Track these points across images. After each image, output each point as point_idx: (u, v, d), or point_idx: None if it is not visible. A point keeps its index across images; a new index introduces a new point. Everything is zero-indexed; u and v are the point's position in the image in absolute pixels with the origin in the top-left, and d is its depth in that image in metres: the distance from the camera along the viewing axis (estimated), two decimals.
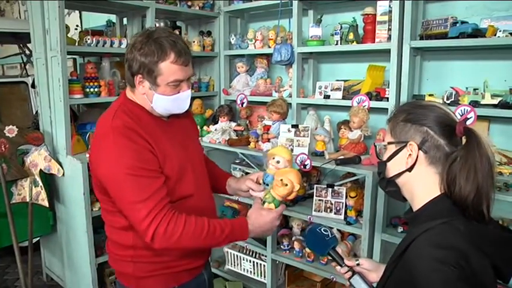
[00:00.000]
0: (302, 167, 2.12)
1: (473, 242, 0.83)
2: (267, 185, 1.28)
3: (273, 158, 1.28)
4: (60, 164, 2.38)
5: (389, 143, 0.98)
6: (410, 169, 0.94)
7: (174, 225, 1.12)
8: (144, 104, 1.24)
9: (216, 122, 2.80)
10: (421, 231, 0.86)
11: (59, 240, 2.65)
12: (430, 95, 2.02)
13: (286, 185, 1.19)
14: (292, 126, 2.34)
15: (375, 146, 1.05)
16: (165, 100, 1.21)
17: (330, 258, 1.19)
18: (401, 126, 0.95)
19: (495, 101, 1.82)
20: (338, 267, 1.16)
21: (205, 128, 2.81)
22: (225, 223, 1.20)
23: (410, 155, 0.93)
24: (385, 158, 0.98)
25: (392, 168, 0.97)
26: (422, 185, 0.94)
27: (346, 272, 1.14)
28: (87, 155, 2.30)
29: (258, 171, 1.48)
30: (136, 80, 1.20)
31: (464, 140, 0.89)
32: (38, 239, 2.87)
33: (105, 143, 1.13)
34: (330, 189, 2.18)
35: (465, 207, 0.86)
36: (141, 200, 1.09)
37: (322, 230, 1.20)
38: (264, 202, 1.23)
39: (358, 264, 1.15)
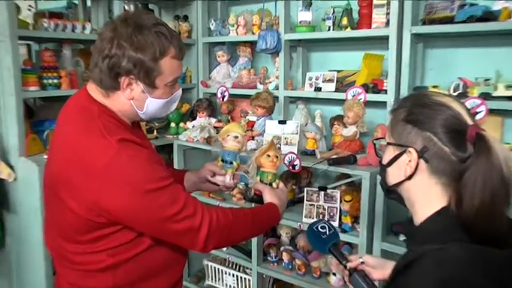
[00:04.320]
0: (291, 167, 2.06)
1: (475, 271, 0.77)
2: (231, 163, 1.35)
3: (228, 135, 1.37)
4: (11, 167, 2.22)
5: (388, 144, 0.94)
6: (409, 177, 0.89)
7: (223, 215, 1.12)
8: (122, 111, 1.12)
9: (193, 118, 2.74)
10: (418, 254, 0.81)
11: (7, 257, 2.44)
12: (434, 87, 1.95)
13: (277, 156, 1.34)
14: (279, 122, 2.29)
15: (374, 144, 1.02)
16: (158, 104, 1.13)
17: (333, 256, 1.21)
18: (402, 127, 0.90)
19: (509, 93, 1.75)
20: (341, 267, 1.17)
21: (181, 124, 2.75)
22: (259, 209, 1.27)
23: (410, 161, 0.88)
24: (385, 160, 0.95)
25: (392, 175, 0.94)
26: (422, 196, 0.89)
27: (345, 270, 1.16)
28: (45, 156, 2.16)
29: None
30: (124, 83, 1.07)
31: (474, 147, 0.83)
32: None
33: (113, 170, 1.01)
34: (322, 193, 2.13)
35: (470, 226, 0.81)
36: (180, 209, 1.05)
37: (319, 227, 1.22)
38: (269, 184, 1.33)
39: (362, 263, 1.14)
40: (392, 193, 0.95)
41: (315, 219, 2.00)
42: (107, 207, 1.03)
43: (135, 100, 1.11)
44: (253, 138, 2.38)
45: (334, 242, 1.20)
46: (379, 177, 1.78)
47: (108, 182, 1.01)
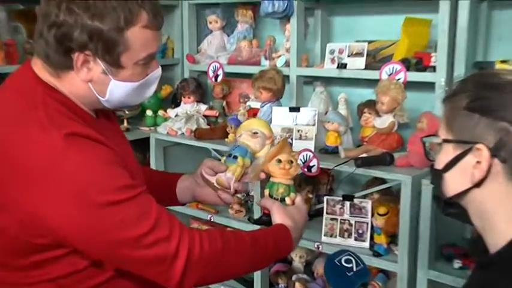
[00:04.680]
0: (306, 170, 2.04)
1: None
2: (235, 157, 1.32)
3: (249, 130, 1.36)
4: None
5: (445, 141, 0.93)
6: (478, 184, 0.88)
7: (209, 240, 1.09)
8: (78, 96, 1.11)
9: (177, 105, 2.72)
10: None
11: None
12: (503, 62, 1.91)
13: (291, 161, 1.29)
14: (291, 109, 2.26)
15: (423, 143, 1.02)
16: (126, 89, 1.12)
17: None
18: (465, 118, 0.89)
19: None
20: None
21: (160, 113, 2.72)
22: (262, 233, 1.23)
23: (478, 162, 0.87)
24: (440, 164, 0.94)
25: (452, 182, 0.93)
26: (501, 209, 0.88)
27: None
28: None
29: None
30: (78, 61, 1.04)
31: None
32: None
33: (55, 174, 0.98)
34: (347, 203, 2.11)
35: None
36: (150, 229, 1.02)
37: (342, 261, 1.21)
38: (281, 199, 1.30)
39: None
40: (453, 207, 0.94)
41: (338, 248, 1.94)
42: (48, 224, 0.99)
43: (95, 83, 1.08)
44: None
45: (364, 281, 1.18)
46: (425, 183, 1.80)
47: (48, 190, 0.97)
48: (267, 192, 1.32)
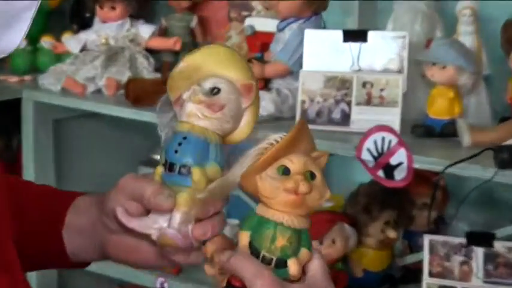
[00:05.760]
0: (383, 175, 2.12)
1: None
2: (183, 167, 1.15)
3: (198, 85, 1.17)
4: None
5: None
6: None
7: None
8: None
9: (84, 24, 2.88)
10: None
11: None
12: None
13: (312, 175, 1.16)
14: (347, 35, 2.32)
15: None
16: None
17: None
18: None
19: None
20: None
21: (46, 42, 2.88)
22: None
23: None
24: None
25: None
26: None
27: None
28: None
29: None
30: None
31: None
32: None
33: None
34: (480, 252, 2.19)
35: None
36: None
37: None
38: (279, 263, 1.03)
39: None
40: None
41: None
42: None
43: None
44: (265, 83, 2.40)
45: None
46: None
47: None
48: (246, 237, 1.06)
